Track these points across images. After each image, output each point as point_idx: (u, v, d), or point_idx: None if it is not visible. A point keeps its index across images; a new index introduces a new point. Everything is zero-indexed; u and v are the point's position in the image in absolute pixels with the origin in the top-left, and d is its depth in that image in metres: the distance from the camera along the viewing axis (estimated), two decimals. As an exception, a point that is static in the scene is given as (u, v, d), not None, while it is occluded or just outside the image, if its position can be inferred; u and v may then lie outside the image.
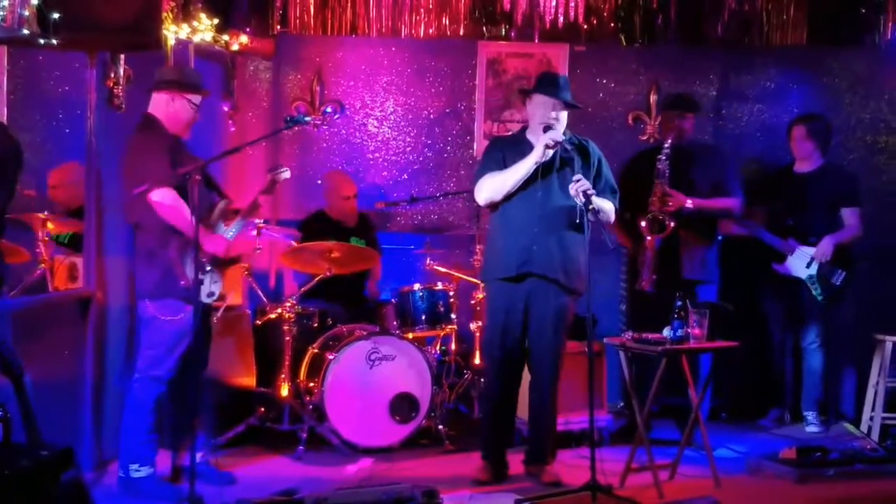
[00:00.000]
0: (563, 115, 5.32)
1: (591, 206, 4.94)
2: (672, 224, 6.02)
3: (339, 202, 6.88)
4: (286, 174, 5.28)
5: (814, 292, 6.51)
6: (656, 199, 6.05)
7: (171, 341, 4.98)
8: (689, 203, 6.07)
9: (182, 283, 4.90)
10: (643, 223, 6.04)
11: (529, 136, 5.39)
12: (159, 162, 4.88)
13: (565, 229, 5.25)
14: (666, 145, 6.12)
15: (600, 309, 6.05)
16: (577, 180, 4.98)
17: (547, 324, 5.29)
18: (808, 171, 6.68)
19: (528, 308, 5.30)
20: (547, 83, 5.37)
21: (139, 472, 4.99)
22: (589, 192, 4.96)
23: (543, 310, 5.28)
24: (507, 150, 5.40)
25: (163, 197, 4.84)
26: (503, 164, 5.32)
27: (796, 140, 6.67)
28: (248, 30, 7.09)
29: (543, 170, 5.26)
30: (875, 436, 6.40)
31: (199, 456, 5.09)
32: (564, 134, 5.25)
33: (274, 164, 5.49)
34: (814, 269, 6.50)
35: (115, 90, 5.45)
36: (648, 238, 6.06)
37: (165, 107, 5.05)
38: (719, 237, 6.65)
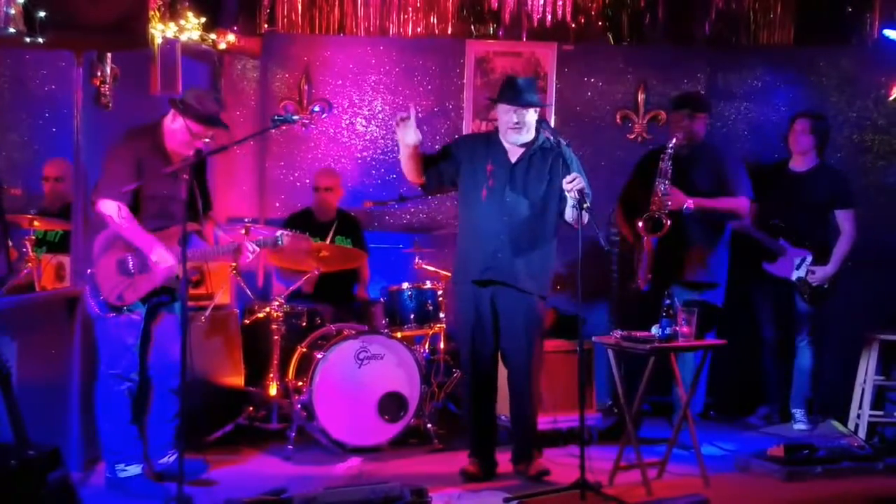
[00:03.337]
0: (528, 114, 5.31)
1: (585, 205, 4.94)
2: (668, 223, 5.89)
3: (314, 193, 6.92)
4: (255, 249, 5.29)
5: (802, 294, 6.52)
6: (657, 199, 5.96)
7: (118, 337, 4.94)
8: (689, 203, 5.94)
9: (101, 296, 4.88)
10: (640, 223, 5.96)
11: (502, 138, 5.41)
12: (118, 172, 4.84)
13: (532, 237, 5.28)
14: (670, 145, 5.97)
15: (587, 308, 6.06)
16: (573, 178, 4.98)
17: (517, 323, 5.31)
18: (803, 170, 6.66)
19: (495, 309, 5.34)
20: (507, 89, 5.38)
21: (126, 471, 4.98)
22: (584, 190, 4.98)
23: (511, 310, 5.31)
24: (470, 152, 5.43)
25: (105, 208, 4.83)
26: (452, 161, 5.42)
27: (798, 133, 6.62)
28: (235, 29, 7.08)
29: (513, 175, 5.30)
30: (862, 434, 6.41)
31: (171, 458, 5.09)
32: (540, 136, 5.30)
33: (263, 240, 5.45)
34: (803, 272, 6.51)
35: (102, 89, 5.44)
36: (645, 238, 6.00)
37: (172, 123, 4.99)
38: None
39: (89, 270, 4.91)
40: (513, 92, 5.32)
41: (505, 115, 5.32)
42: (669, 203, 5.90)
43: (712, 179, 6.14)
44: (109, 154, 4.96)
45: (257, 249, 5.27)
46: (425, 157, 5.41)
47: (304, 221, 6.77)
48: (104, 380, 5.00)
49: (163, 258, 4.84)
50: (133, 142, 4.95)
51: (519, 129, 5.29)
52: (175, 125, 4.96)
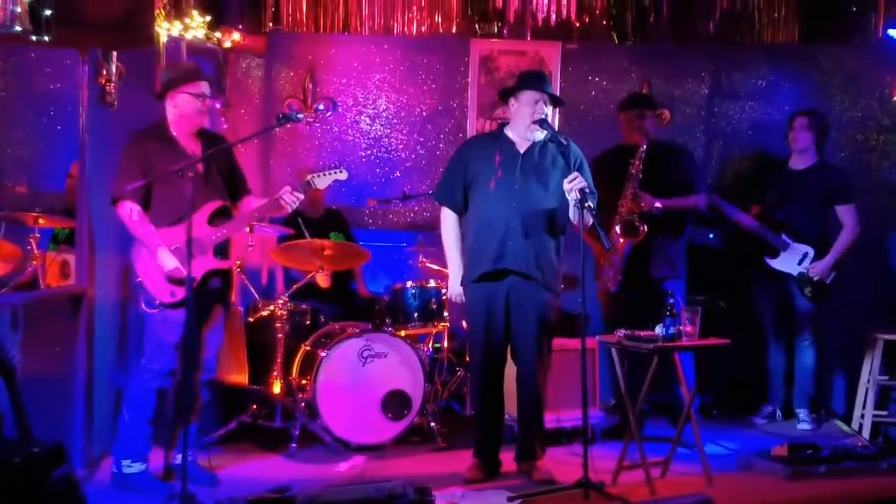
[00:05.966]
0: (549, 109, 5.34)
1: (586, 204, 4.95)
2: (645, 229, 6.03)
3: None
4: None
5: (804, 290, 6.52)
6: (628, 202, 6.05)
7: (159, 334, 5.02)
8: (658, 205, 6.10)
9: (154, 297, 4.99)
10: (618, 228, 6.04)
11: (510, 132, 5.41)
12: (128, 171, 4.96)
13: (541, 227, 5.26)
14: (642, 148, 6.12)
15: (589, 307, 6.07)
16: (574, 178, 4.98)
17: (530, 320, 5.29)
18: (803, 167, 6.66)
19: (509, 306, 5.30)
20: (533, 79, 5.41)
21: (131, 467, 5.01)
22: (585, 189, 4.98)
23: (525, 306, 5.28)
24: (477, 153, 5.44)
25: (121, 210, 4.98)
26: (464, 175, 5.39)
27: (796, 130, 6.64)
28: (240, 27, 7.08)
29: (523, 164, 5.30)
30: (866, 433, 6.41)
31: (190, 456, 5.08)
32: (548, 131, 5.28)
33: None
34: (805, 267, 6.51)
35: (108, 87, 5.44)
36: (620, 241, 6.06)
37: (171, 111, 5.09)
38: (711, 235, 6.67)
39: (137, 279, 5.04)
40: (540, 82, 5.36)
41: (530, 105, 5.28)
42: (642, 205, 6.03)
43: (675, 178, 6.34)
44: (121, 156, 5.06)
45: (298, 193, 5.18)
46: (448, 190, 5.49)
47: (295, 220, 6.74)
48: (142, 372, 5.09)
49: (166, 261, 4.92)
50: (139, 142, 5.04)
51: (543, 120, 5.26)
52: (178, 103, 5.06)
